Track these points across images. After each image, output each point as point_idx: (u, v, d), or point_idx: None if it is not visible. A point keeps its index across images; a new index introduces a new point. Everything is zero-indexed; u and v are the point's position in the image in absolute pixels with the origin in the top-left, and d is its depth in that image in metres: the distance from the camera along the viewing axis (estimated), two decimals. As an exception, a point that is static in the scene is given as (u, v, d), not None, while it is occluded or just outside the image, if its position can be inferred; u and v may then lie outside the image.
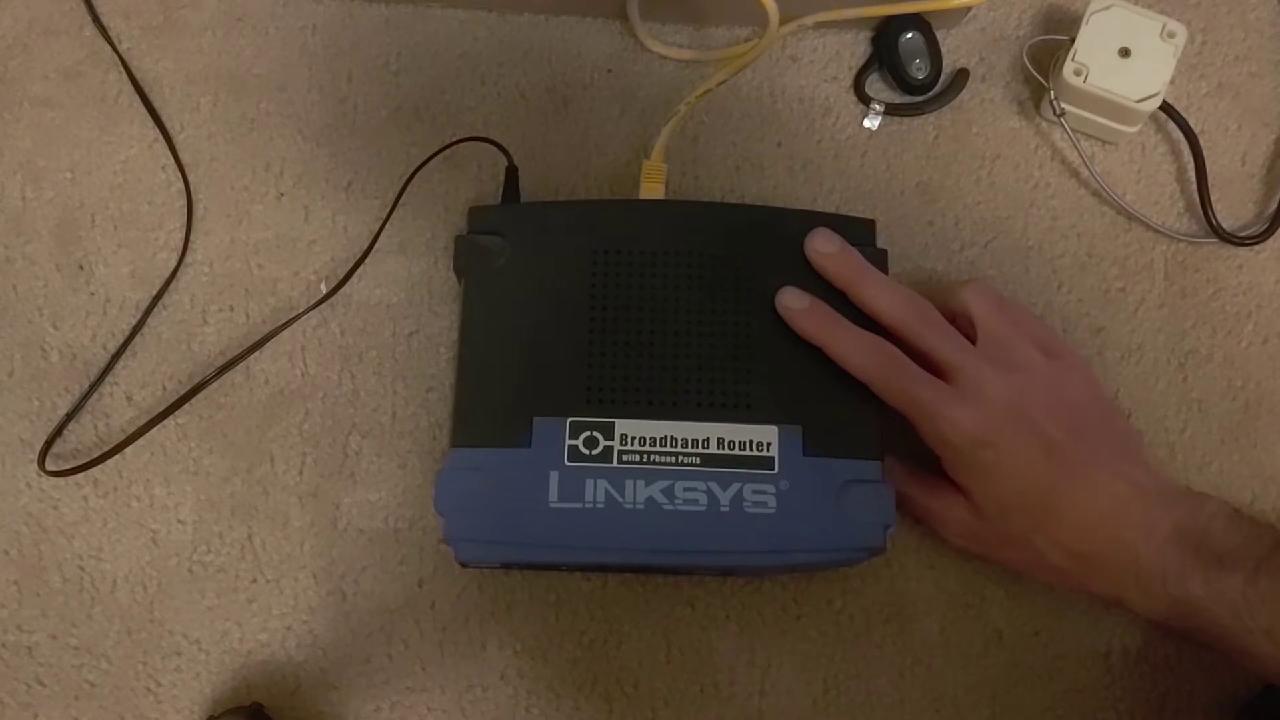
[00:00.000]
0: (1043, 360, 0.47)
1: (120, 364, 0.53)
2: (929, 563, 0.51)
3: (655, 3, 0.57)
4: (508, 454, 0.46)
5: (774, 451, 0.46)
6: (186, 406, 0.52)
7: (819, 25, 0.57)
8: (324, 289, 0.54)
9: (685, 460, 0.46)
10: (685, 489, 0.45)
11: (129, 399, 0.53)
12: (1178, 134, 0.55)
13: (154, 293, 0.54)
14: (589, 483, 0.45)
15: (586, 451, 0.46)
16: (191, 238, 0.55)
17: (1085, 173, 0.55)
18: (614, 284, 0.48)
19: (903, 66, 0.56)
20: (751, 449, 0.46)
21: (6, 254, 0.55)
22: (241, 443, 0.52)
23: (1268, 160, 0.57)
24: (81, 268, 0.55)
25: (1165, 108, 0.54)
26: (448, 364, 0.53)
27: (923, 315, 0.47)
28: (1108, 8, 0.53)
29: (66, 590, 0.51)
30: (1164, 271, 0.55)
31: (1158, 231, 0.55)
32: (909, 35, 0.56)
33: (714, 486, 0.45)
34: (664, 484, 0.45)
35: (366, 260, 0.54)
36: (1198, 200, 0.55)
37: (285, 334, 0.53)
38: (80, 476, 0.52)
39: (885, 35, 0.56)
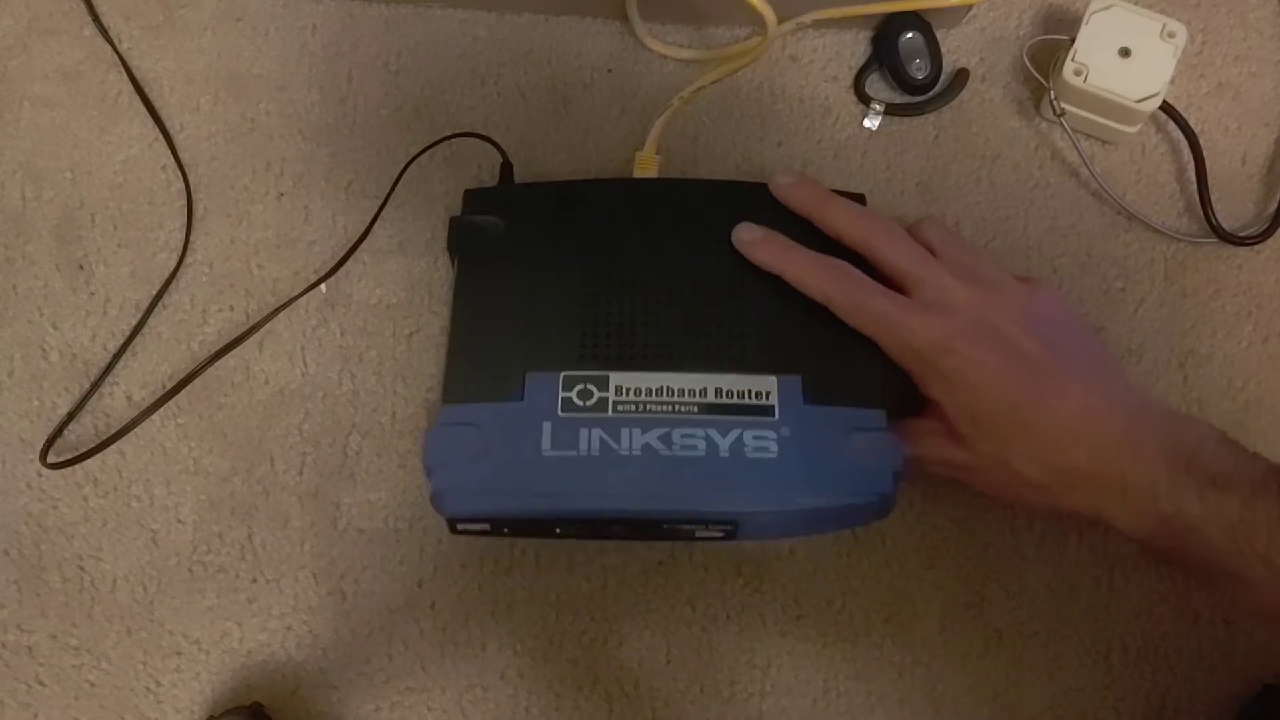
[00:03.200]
0: (1012, 280, 0.47)
1: (120, 364, 0.53)
2: (929, 563, 0.51)
3: (655, 2, 0.57)
4: (499, 407, 0.45)
5: (774, 400, 0.45)
6: (186, 406, 0.52)
7: (819, 25, 0.57)
8: (324, 290, 0.54)
9: (682, 409, 0.44)
10: (683, 435, 0.44)
11: (129, 399, 0.53)
12: (1178, 134, 0.55)
13: (154, 292, 0.54)
14: (583, 431, 0.44)
15: (580, 403, 0.45)
16: (191, 238, 0.55)
17: (1085, 173, 0.55)
18: (607, 249, 0.48)
19: (903, 66, 0.56)
20: (750, 397, 0.45)
21: (6, 254, 0.55)
22: (241, 443, 0.52)
23: (1268, 160, 0.57)
24: (81, 268, 0.55)
25: (1165, 108, 0.54)
26: (448, 364, 0.53)
27: (886, 231, 0.47)
28: (1108, 8, 0.53)
29: (66, 590, 0.51)
30: (1164, 271, 0.55)
31: (1158, 231, 0.55)
32: (909, 35, 0.56)
33: (713, 433, 0.44)
34: (661, 431, 0.44)
35: (367, 261, 0.54)
36: (1198, 200, 0.55)
37: (285, 334, 0.53)
38: (80, 476, 0.52)
39: (885, 35, 0.56)
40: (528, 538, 0.48)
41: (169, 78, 0.57)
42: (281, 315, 0.54)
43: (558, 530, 0.46)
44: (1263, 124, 0.57)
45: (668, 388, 0.45)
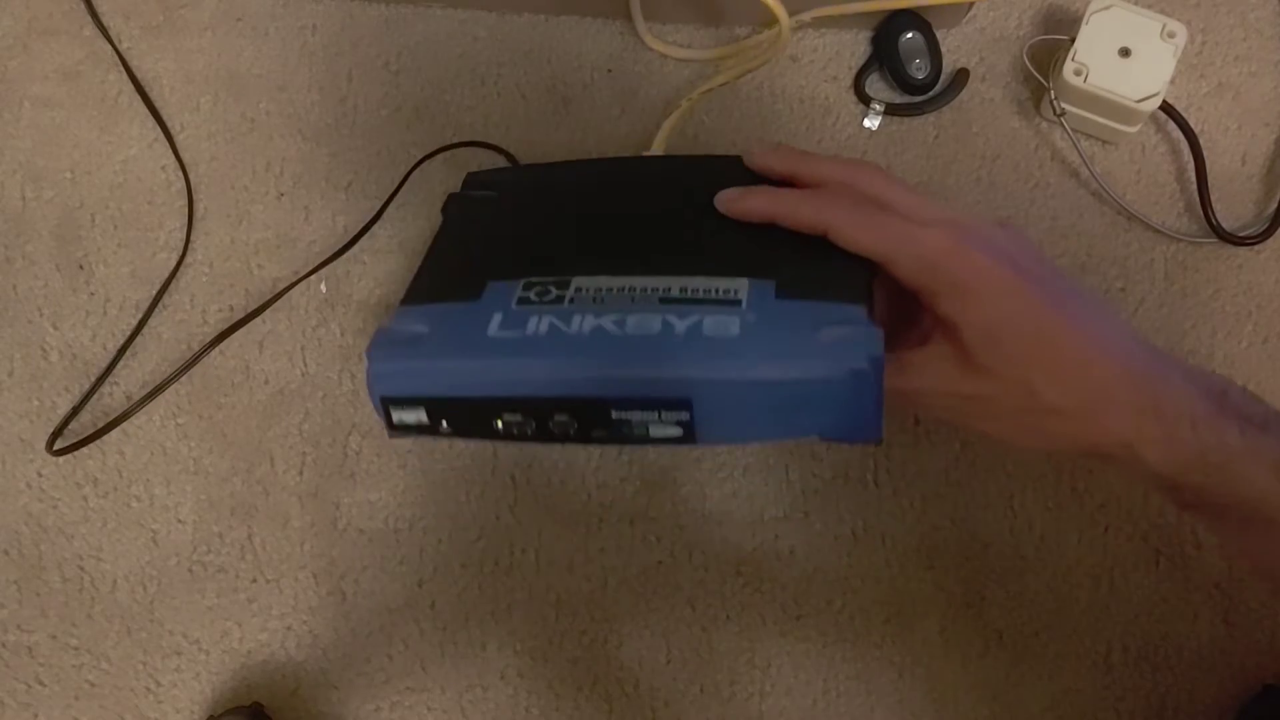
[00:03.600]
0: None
1: (120, 363, 0.53)
2: (929, 563, 0.51)
3: (659, 2, 0.57)
4: (454, 306, 0.43)
5: (742, 296, 0.41)
6: (187, 406, 0.52)
7: (818, 24, 0.57)
8: (324, 289, 0.54)
9: (642, 300, 0.41)
10: (638, 319, 0.40)
11: (129, 399, 0.53)
12: (1178, 134, 0.55)
13: (154, 292, 0.54)
14: (533, 318, 0.41)
15: (537, 300, 0.42)
16: (191, 237, 0.55)
17: (1085, 173, 0.55)
18: (585, 194, 0.48)
19: (903, 66, 0.56)
20: (718, 294, 0.41)
21: (6, 254, 0.55)
22: (241, 443, 0.52)
23: (1268, 160, 0.56)
24: (81, 268, 0.55)
25: (1165, 108, 0.54)
26: (448, 364, 0.53)
27: (875, 169, 0.44)
28: (1108, 8, 0.53)
29: (66, 590, 0.51)
30: (1164, 271, 0.55)
31: (1158, 231, 0.55)
32: (909, 35, 0.56)
33: (671, 317, 0.40)
34: (615, 316, 0.40)
35: (367, 261, 0.54)
36: (1198, 200, 0.55)
37: (285, 334, 0.53)
38: (80, 476, 0.52)
39: (885, 35, 0.56)
40: (469, 438, 0.43)
41: (169, 78, 0.57)
42: (282, 315, 0.54)
43: (499, 425, 0.41)
44: (1263, 124, 0.57)
45: (630, 285, 0.42)
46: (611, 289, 0.42)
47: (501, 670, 0.50)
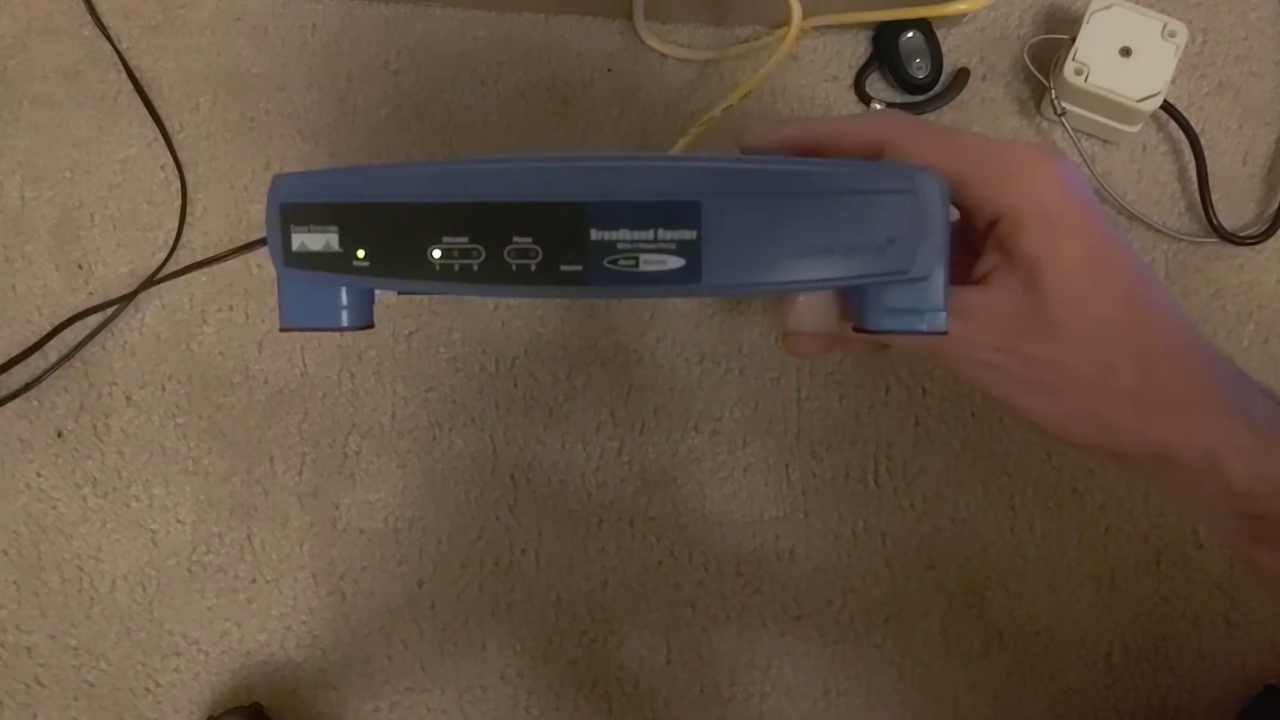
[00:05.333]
0: None
1: (120, 363, 0.53)
2: (929, 563, 0.51)
3: (660, 1, 0.56)
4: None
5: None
6: (186, 406, 0.52)
7: (818, 27, 0.56)
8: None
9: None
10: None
11: (129, 399, 0.53)
12: (1178, 134, 0.55)
13: (153, 292, 0.54)
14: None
15: None
16: (190, 237, 0.55)
17: (1086, 172, 0.55)
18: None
19: (903, 66, 0.56)
20: None
21: (6, 254, 0.55)
22: (241, 443, 0.52)
23: (1268, 160, 0.56)
24: (80, 267, 0.55)
25: (1166, 107, 0.54)
26: (447, 364, 0.53)
27: (909, 116, 0.36)
28: (1109, 7, 0.53)
29: (66, 590, 0.51)
30: (1164, 271, 0.55)
31: (1158, 231, 0.55)
32: (909, 35, 0.56)
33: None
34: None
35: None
36: (1198, 200, 0.55)
37: (285, 333, 0.53)
38: (80, 477, 0.52)
39: (886, 35, 0.56)
40: (390, 281, 0.31)
41: (168, 77, 0.57)
42: (281, 315, 0.54)
43: (436, 255, 0.30)
44: (1263, 124, 0.57)
45: None
46: None
47: (501, 670, 0.50)
